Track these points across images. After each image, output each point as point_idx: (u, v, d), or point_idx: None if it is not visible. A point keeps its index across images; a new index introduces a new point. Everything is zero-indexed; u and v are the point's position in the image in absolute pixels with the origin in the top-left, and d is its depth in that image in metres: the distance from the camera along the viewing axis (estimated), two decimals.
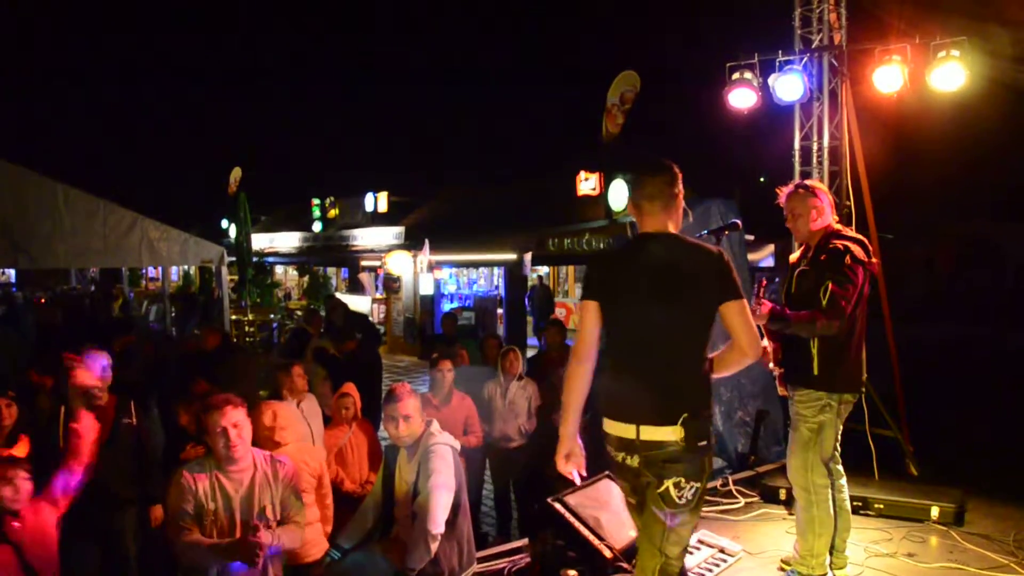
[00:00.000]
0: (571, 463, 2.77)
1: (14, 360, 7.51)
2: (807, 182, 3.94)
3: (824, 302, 3.47)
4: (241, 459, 3.13)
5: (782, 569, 3.92)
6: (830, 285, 3.47)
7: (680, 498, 2.65)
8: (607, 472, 4.51)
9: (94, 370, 4.04)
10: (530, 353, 8.38)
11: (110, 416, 4.18)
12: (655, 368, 2.70)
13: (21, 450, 4.05)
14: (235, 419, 3.11)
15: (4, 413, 4.06)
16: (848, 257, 3.52)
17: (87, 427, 3.50)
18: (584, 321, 2.77)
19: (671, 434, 2.61)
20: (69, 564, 3.88)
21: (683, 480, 2.64)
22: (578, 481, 2.89)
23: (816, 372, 3.58)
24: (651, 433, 2.64)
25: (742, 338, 2.70)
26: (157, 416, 5.80)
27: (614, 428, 2.74)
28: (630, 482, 2.80)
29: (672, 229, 2.84)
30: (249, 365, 6.32)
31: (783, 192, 3.85)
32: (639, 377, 2.69)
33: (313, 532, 4.07)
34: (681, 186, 2.88)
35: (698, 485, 2.68)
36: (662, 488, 2.65)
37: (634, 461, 2.69)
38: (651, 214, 2.82)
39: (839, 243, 3.59)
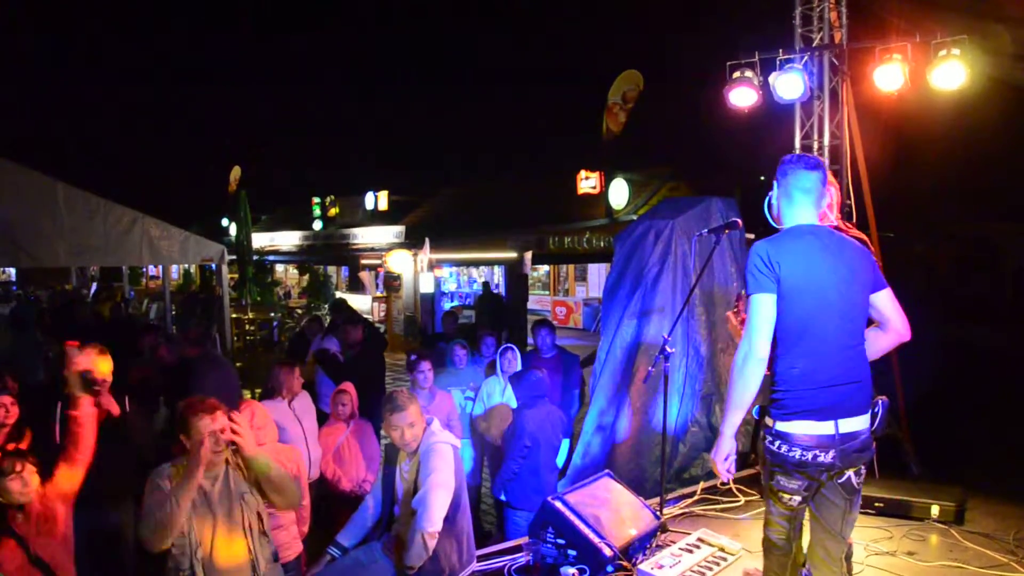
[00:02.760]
0: (728, 462, 2.83)
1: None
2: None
3: None
4: (220, 463, 3.14)
5: None
6: None
7: (858, 484, 2.83)
8: (607, 471, 4.52)
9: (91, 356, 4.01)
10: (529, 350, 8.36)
11: (104, 411, 4.18)
12: (845, 360, 2.77)
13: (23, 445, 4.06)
14: (224, 423, 3.09)
15: (10, 412, 4.07)
16: None
17: (87, 415, 3.51)
18: (761, 316, 2.72)
19: (863, 423, 2.75)
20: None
21: (862, 467, 2.82)
22: (728, 479, 2.96)
23: None
24: (848, 425, 2.72)
25: (899, 322, 2.91)
26: (167, 414, 5.82)
27: (812, 427, 2.72)
28: (809, 480, 2.78)
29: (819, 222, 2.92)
30: (228, 379, 6.22)
31: None
32: (834, 371, 2.74)
33: (288, 534, 4.09)
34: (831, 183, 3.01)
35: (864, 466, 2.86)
36: (844, 478, 2.78)
37: (827, 456, 2.72)
38: (804, 207, 2.88)
39: None
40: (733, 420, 2.76)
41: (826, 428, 2.70)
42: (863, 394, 2.78)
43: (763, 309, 2.71)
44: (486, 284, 16.14)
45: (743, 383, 2.71)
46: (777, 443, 2.74)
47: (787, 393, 2.74)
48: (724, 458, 2.81)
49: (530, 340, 15.91)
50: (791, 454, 2.72)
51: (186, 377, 5.92)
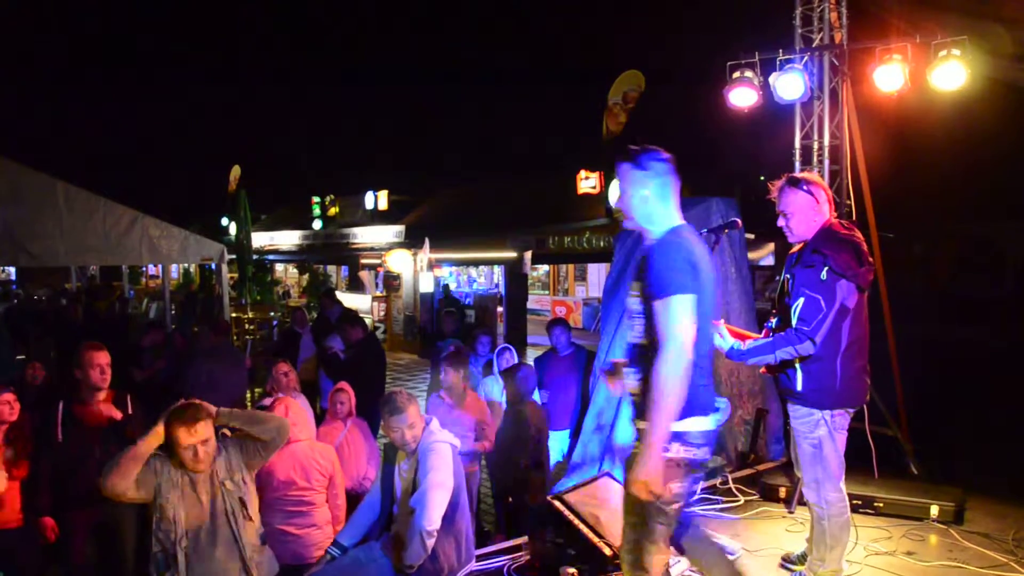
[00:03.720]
0: (658, 481, 2.61)
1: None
2: (800, 175, 3.63)
3: (793, 320, 3.34)
4: (206, 466, 3.17)
5: (783, 566, 3.92)
6: (801, 302, 3.32)
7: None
8: (607, 470, 4.52)
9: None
10: (533, 352, 8.36)
11: (108, 411, 4.21)
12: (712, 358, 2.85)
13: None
14: (205, 435, 3.11)
15: (13, 408, 4.13)
16: (824, 270, 3.30)
17: None
18: (686, 316, 2.59)
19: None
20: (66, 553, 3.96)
21: None
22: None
23: (799, 388, 3.42)
24: (717, 420, 2.77)
25: None
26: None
27: (703, 423, 2.72)
28: (693, 478, 2.79)
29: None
30: (221, 372, 6.21)
31: (775, 187, 3.60)
32: (711, 369, 2.79)
33: (322, 534, 4.08)
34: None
35: None
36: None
37: (704, 451, 2.74)
38: (675, 205, 2.81)
39: (825, 250, 3.34)
40: (664, 431, 2.58)
41: (710, 424, 2.75)
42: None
43: (684, 309, 2.59)
44: (446, 288, 16.10)
45: (679, 388, 2.56)
46: (675, 446, 2.65)
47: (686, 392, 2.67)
48: (659, 476, 2.57)
49: (530, 339, 15.93)
50: (687, 454, 2.69)
51: (180, 367, 5.96)
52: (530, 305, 19.76)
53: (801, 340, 3.30)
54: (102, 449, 4.13)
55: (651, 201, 2.78)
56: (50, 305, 15.48)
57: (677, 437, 2.65)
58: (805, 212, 3.48)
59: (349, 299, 14.48)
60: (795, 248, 3.65)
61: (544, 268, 25.25)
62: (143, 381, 6.06)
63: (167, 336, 7.61)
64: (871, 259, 3.44)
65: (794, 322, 3.34)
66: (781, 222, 3.58)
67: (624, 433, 4.84)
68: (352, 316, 7.37)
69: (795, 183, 3.52)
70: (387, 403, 3.49)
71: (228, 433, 3.32)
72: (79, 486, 4.10)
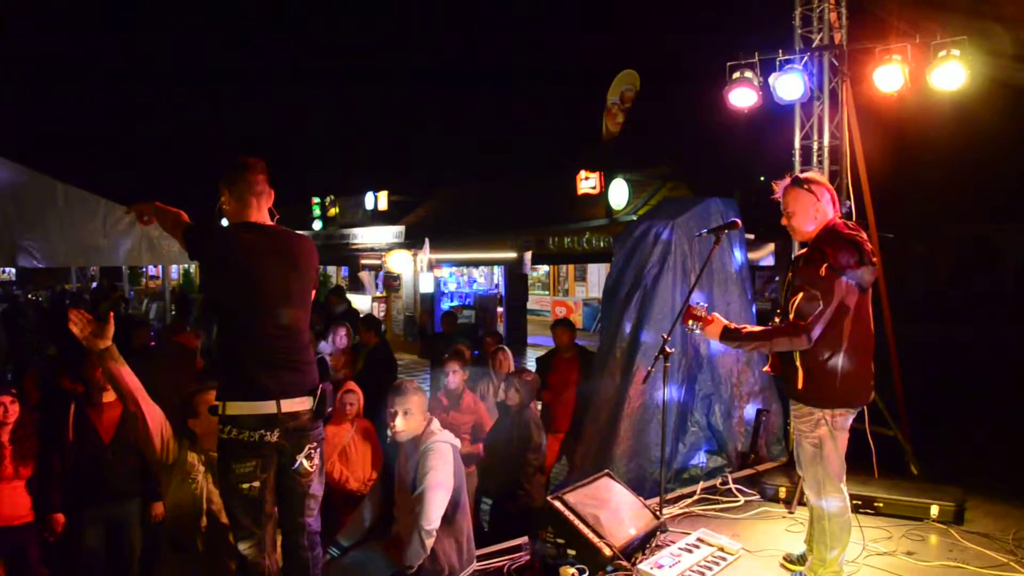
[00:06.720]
0: None
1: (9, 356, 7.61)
2: (803, 175, 3.63)
3: (791, 314, 3.34)
4: None
5: (783, 566, 3.92)
6: (799, 297, 3.32)
7: (312, 467, 2.98)
8: (607, 471, 4.52)
9: None
10: (533, 352, 8.38)
11: (118, 411, 4.27)
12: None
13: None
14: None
15: (9, 410, 4.16)
16: (823, 267, 3.28)
17: None
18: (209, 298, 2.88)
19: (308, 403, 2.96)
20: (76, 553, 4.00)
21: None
22: None
23: (800, 386, 3.41)
24: (293, 405, 2.90)
25: None
26: None
27: (256, 407, 2.85)
28: (269, 458, 2.90)
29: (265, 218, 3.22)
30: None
31: (779, 186, 3.62)
32: (281, 356, 2.95)
33: None
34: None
35: None
36: (296, 464, 2.94)
37: (274, 436, 2.86)
38: (253, 207, 3.18)
39: (826, 247, 3.34)
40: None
41: (265, 408, 2.85)
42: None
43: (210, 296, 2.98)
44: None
45: None
46: (227, 427, 2.84)
47: (243, 374, 2.89)
48: None
49: (530, 339, 15.92)
50: (240, 436, 2.83)
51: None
52: (530, 305, 19.77)
53: (797, 334, 3.30)
54: (112, 450, 4.22)
55: (229, 202, 3.17)
56: (52, 306, 15.48)
57: (230, 420, 2.84)
58: (807, 211, 3.50)
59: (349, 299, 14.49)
60: (801, 251, 3.66)
61: (544, 268, 25.26)
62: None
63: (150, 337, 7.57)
64: (875, 259, 3.43)
65: (791, 317, 3.35)
66: (784, 221, 3.60)
67: None
68: (369, 320, 7.31)
69: (798, 183, 3.54)
70: (394, 387, 3.55)
71: None
72: (89, 485, 4.21)
